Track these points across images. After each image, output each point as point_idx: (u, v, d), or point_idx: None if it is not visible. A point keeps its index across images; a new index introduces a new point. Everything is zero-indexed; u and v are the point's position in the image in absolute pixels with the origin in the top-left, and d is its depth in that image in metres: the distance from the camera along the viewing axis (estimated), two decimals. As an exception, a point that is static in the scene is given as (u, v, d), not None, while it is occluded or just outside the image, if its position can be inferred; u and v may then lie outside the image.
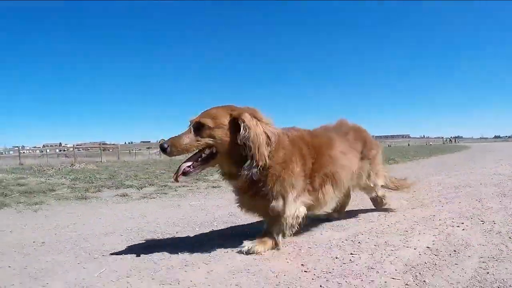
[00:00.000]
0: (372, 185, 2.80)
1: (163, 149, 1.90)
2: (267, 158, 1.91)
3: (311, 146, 2.23)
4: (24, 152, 27.85)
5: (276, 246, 2.09)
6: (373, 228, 2.43)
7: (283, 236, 2.11)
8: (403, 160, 10.76)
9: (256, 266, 1.78)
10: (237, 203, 2.21)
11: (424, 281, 1.46)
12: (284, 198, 2.03)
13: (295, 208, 2.08)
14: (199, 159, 1.97)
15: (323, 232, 2.37)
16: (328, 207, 2.56)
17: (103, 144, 34.65)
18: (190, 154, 1.96)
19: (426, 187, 4.37)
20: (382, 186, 2.91)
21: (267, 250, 2.04)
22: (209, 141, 1.93)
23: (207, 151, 1.95)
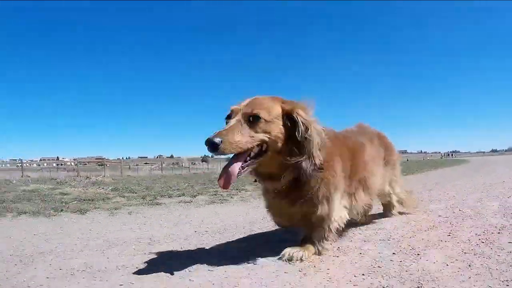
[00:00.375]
0: (389, 192, 2.86)
1: (214, 146, 1.57)
2: (321, 159, 1.79)
3: (347, 148, 2.18)
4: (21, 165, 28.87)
5: (318, 253, 1.97)
6: (456, 201, 3.74)
7: (326, 241, 2.01)
8: (414, 172, 11.69)
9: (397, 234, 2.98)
10: (269, 209, 2.10)
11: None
12: (328, 202, 1.92)
13: (339, 211, 2.04)
14: (248, 158, 1.71)
15: (429, 206, 3.57)
16: (357, 214, 2.37)
17: (104, 159, 34.74)
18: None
19: (462, 186, 5.69)
20: (397, 195, 2.95)
21: (310, 256, 1.92)
22: (265, 137, 1.71)
23: (256, 149, 1.72)
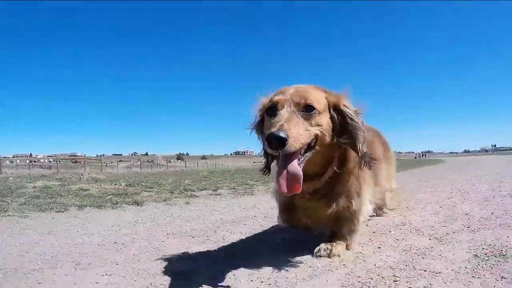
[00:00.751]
0: (389, 187, 2.88)
1: (281, 141, 1.35)
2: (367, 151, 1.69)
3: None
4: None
5: (349, 247, 1.90)
6: (456, 186, 5.31)
7: (355, 234, 1.94)
8: (398, 170, 12.25)
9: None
10: (296, 211, 1.94)
11: None
12: (359, 196, 1.86)
13: (367, 204, 1.99)
14: (300, 155, 1.50)
15: (437, 188, 5.12)
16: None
17: (84, 157, 34.26)
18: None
19: (453, 179, 7.42)
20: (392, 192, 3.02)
21: (343, 250, 1.86)
22: (318, 130, 1.55)
23: (305, 145, 1.52)
